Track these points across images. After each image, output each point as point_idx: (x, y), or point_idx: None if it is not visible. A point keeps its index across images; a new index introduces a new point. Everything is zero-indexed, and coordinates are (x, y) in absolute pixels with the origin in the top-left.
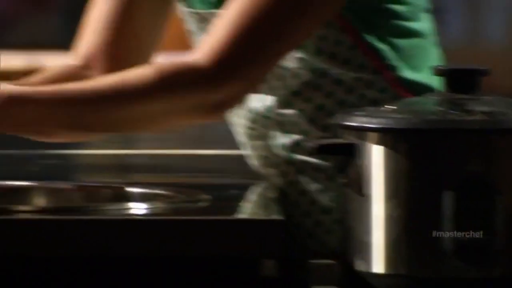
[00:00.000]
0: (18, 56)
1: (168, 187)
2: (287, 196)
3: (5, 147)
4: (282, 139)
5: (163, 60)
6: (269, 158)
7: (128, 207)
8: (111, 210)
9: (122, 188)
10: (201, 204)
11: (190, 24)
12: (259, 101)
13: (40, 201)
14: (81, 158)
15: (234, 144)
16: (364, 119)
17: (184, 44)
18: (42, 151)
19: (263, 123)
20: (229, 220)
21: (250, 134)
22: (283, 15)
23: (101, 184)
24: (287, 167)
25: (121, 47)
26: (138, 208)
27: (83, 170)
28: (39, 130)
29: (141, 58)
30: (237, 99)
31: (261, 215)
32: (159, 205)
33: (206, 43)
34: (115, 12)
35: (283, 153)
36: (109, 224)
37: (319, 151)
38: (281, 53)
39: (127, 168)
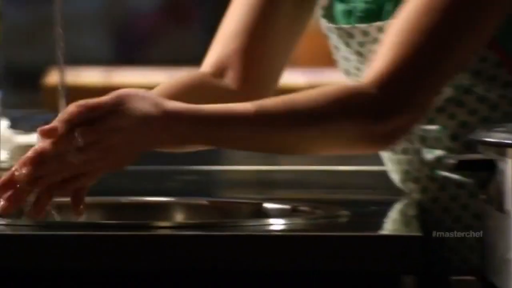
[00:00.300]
0: (160, 72)
1: (307, 203)
2: (429, 212)
3: (144, 163)
4: (425, 155)
5: (302, 75)
6: (411, 173)
7: (266, 223)
8: (249, 226)
9: (261, 204)
10: (340, 220)
11: (334, 39)
12: None
13: (179, 217)
14: (222, 174)
15: (374, 160)
16: (504, 135)
17: (322, 59)
18: (182, 167)
19: (406, 138)
20: (367, 236)
21: (393, 148)
22: (451, 36)
23: (239, 200)
24: (429, 183)
25: (254, 55)
26: (276, 224)
27: (224, 186)
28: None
29: (275, 67)
30: (406, 129)
31: (400, 231)
32: (298, 221)
33: (374, 68)
34: (250, 20)
35: (425, 168)
36: (246, 240)
37: (459, 167)
38: (450, 75)
39: (267, 184)
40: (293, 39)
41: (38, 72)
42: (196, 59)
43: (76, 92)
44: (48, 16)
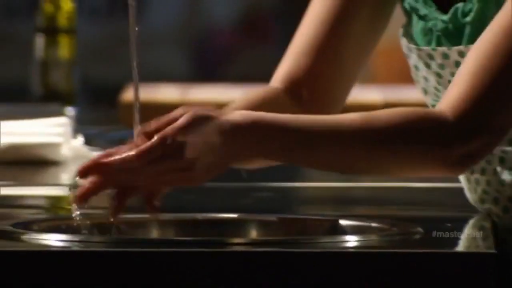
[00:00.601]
0: (237, 89)
1: (382, 220)
2: (508, 231)
3: (220, 180)
4: (504, 176)
5: (379, 93)
6: (490, 193)
7: (341, 239)
8: (324, 243)
9: (336, 220)
10: (414, 237)
11: (413, 59)
12: None
13: (254, 234)
14: (297, 191)
15: (448, 177)
16: None
17: (399, 76)
18: (258, 184)
19: (486, 158)
20: (442, 253)
21: (470, 168)
22: None
23: (314, 217)
24: (509, 203)
25: (324, 72)
26: (351, 241)
27: (299, 202)
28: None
29: (344, 84)
30: (483, 153)
31: (474, 248)
32: (372, 238)
33: (451, 94)
34: (320, 36)
35: (505, 189)
36: (321, 257)
37: None
38: None
39: (342, 201)
40: (364, 56)
41: (115, 88)
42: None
43: (152, 109)
44: (125, 32)
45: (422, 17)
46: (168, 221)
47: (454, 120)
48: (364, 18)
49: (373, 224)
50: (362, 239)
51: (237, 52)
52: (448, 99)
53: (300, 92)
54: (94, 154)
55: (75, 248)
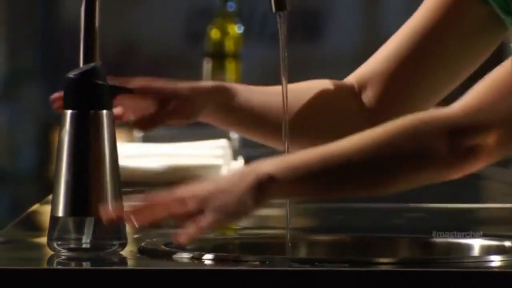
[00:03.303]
0: None
1: None
2: None
3: (369, 201)
4: None
5: None
6: None
7: (483, 259)
8: (468, 262)
9: (481, 241)
10: None
11: None
12: None
13: (403, 253)
14: (449, 211)
15: None
16: None
17: None
18: (408, 204)
19: None
20: None
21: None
22: None
23: (461, 239)
24: None
25: (395, 81)
26: (494, 261)
27: (450, 223)
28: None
29: (417, 97)
30: (494, 146)
31: None
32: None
33: (464, 96)
34: (405, 46)
35: None
36: (467, 276)
37: None
38: None
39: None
40: (449, 80)
41: None
42: None
43: None
44: (298, 57)
45: None
46: (319, 241)
47: (456, 113)
48: (455, 46)
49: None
50: (504, 259)
51: None
52: (458, 100)
53: (366, 94)
54: None
55: (230, 267)
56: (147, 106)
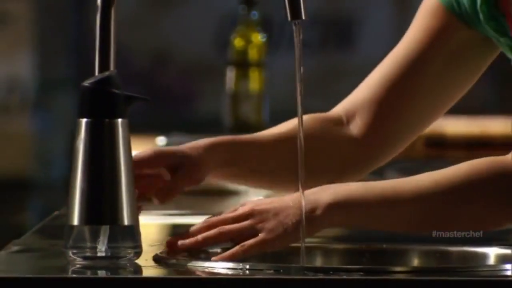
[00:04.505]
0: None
1: None
2: None
3: None
4: None
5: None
6: None
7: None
8: (484, 271)
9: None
10: None
11: None
12: None
13: (418, 262)
14: None
15: None
16: None
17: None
18: None
19: None
20: None
21: None
22: None
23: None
24: None
25: (384, 108)
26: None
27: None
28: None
29: (408, 123)
30: None
31: None
32: None
33: None
34: (391, 72)
35: None
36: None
37: None
38: None
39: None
40: (439, 105)
41: None
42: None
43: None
44: (334, 66)
45: None
46: (335, 250)
47: None
48: (442, 70)
49: None
50: None
51: None
52: None
53: (355, 124)
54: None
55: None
56: (159, 177)
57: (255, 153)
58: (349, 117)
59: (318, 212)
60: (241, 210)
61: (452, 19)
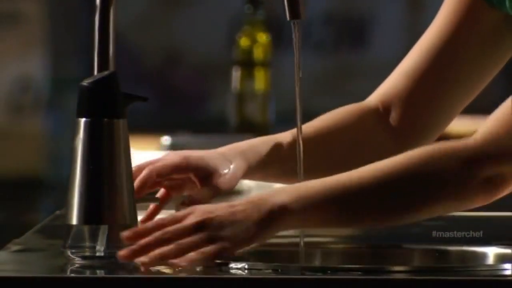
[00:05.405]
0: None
1: None
2: None
3: None
4: None
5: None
6: None
7: (497, 268)
8: (481, 271)
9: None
10: None
11: None
12: None
13: (418, 261)
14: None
15: None
16: None
17: None
18: None
19: None
20: None
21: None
22: None
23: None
24: None
25: (419, 99)
26: (507, 269)
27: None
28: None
29: (441, 113)
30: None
31: None
32: None
33: (483, 124)
34: (424, 61)
35: None
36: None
37: None
38: None
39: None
40: (469, 91)
41: None
42: None
43: None
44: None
45: None
46: (333, 249)
47: (480, 142)
48: (473, 55)
49: None
50: None
51: None
52: (479, 129)
53: (391, 115)
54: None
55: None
56: (185, 182)
57: (291, 153)
58: (386, 107)
59: (273, 215)
60: (193, 219)
61: (480, 1)
